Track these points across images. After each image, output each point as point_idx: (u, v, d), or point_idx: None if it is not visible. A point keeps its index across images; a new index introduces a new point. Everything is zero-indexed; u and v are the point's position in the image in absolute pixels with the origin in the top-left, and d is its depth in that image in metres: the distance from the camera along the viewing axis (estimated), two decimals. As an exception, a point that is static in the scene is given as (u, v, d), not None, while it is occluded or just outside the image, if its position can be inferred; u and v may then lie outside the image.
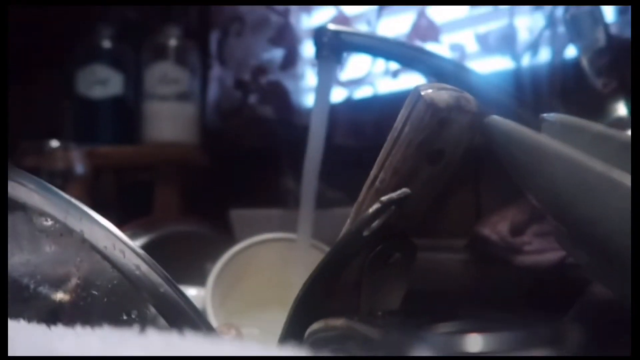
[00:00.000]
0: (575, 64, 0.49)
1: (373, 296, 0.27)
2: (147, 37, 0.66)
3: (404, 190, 0.21)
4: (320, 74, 0.40)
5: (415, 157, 0.22)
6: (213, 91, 0.73)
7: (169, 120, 0.63)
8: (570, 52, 0.50)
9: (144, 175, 0.65)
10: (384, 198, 0.21)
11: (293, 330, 0.26)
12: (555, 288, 0.37)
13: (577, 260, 0.27)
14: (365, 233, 0.21)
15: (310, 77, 0.68)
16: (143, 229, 0.47)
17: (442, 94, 0.20)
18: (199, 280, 0.48)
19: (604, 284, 0.22)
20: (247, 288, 0.42)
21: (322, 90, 0.40)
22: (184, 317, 0.19)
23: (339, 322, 0.20)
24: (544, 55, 0.52)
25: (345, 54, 0.39)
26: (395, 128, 0.22)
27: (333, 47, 0.38)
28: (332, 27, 0.38)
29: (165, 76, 0.63)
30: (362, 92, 0.66)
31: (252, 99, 0.66)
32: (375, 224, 0.21)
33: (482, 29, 0.59)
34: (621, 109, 0.45)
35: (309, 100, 0.69)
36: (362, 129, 0.65)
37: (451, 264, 0.45)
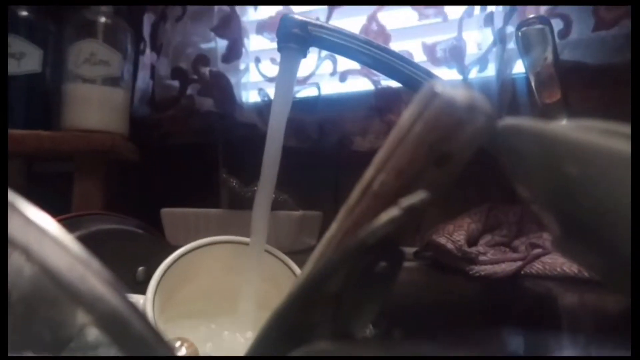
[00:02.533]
0: (523, 80, 0.51)
1: (353, 308, 0.25)
2: (72, 10, 0.59)
3: (423, 195, 0.19)
4: (283, 67, 0.37)
5: (423, 159, 0.20)
6: (143, 79, 0.67)
7: (94, 105, 0.57)
8: (519, 68, 0.52)
9: (61, 166, 0.58)
10: (404, 204, 0.19)
11: (267, 344, 0.24)
12: (508, 298, 0.38)
13: (581, 265, 0.27)
14: (371, 241, 0.19)
15: (253, 73, 0.65)
16: (63, 227, 0.42)
17: (460, 93, 0.19)
18: (129, 283, 0.43)
19: (614, 286, 0.22)
20: (188, 295, 0.38)
21: (284, 84, 0.37)
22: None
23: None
24: (492, 71, 0.54)
25: (310, 49, 0.37)
26: (401, 127, 0.20)
27: (299, 39, 0.36)
28: (299, 17, 0.36)
29: (92, 56, 0.56)
30: (305, 93, 0.64)
31: (191, 89, 0.61)
32: (383, 232, 0.19)
33: (431, 40, 0.59)
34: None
35: (250, 96, 0.66)
36: (304, 130, 0.63)
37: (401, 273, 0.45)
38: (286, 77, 0.37)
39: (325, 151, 0.62)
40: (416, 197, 0.19)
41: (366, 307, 0.26)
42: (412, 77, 0.38)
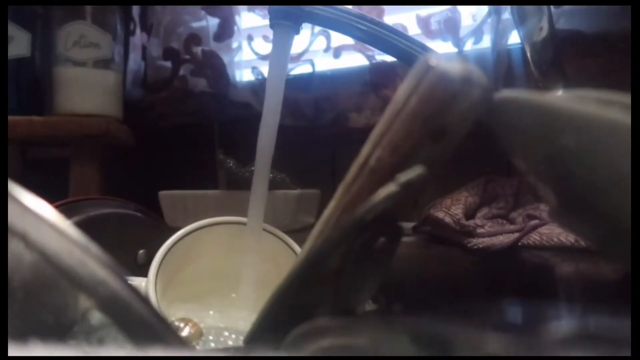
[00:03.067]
0: (519, 50, 0.51)
1: (353, 284, 0.25)
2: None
3: (419, 171, 0.19)
4: (276, 44, 0.36)
5: (419, 134, 0.20)
6: (134, 60, 0.66)
7: (86, 89, 0.56)
8: (514, 39, 0.51)
9: (57, 152, 0.57)
10: (401, 180, 0.19)
11: (269, 323, 0.24)
12: (506, 270, 0.38)
13: (578, 235, 0.27)
14: (369, 218, 0.19)
15: (246, 51, 0.64)
16: (62, 213, 0.42)
17: (455, 66, 0.19)
18: (130, 266, 0.43)
19: (611, 256, 0.22)
20: (189, 276, 0.38)
21: (278, 61, 0.37)
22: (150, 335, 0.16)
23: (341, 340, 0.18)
24: (487, 42, 0.53)
25: (302, 25, 0.37)
26: (396, 102, 0.20)
27: (291, 16, 0.35)
28: (291, -7, 0.35)
29: (82, 39, 0.55)
30: (300, 70, 0.63)
31: (184, 70, 0.60)
32: (381, 208, 0.19)
33: (425, 12, 0.58)
34: (560, 98, 0.46)
35: (244, 75, 0.65)
36: (300, 109, 0.62)
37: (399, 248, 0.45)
38: (280, 54, 0.37)
39: (321, 129, 0.62)
40: (413, 172, 0.19)
41: (366, 283, 0.26)
42: (406, 51, 0.37)
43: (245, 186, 0.52)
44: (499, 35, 0.51)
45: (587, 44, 0.52)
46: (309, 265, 0.21)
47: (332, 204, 0.23)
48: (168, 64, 0.61)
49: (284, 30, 0.36)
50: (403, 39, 0.37)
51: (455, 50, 0.55)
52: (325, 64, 0.62)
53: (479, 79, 0.19)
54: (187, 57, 0.60)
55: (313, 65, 0.62)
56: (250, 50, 0.64)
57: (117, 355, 0.12)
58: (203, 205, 0.56)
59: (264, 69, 0.63)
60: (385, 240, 0.24)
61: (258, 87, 0.62)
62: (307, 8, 0.36)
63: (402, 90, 0.20)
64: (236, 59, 0.64)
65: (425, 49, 0.37)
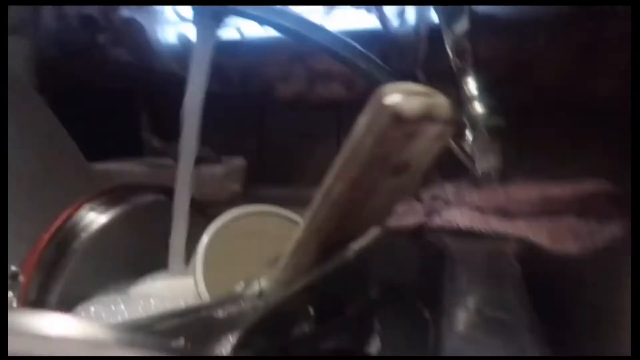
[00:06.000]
0: (439, 34, 0.52)
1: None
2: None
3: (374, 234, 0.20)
4: (199, 40, 0.36)
5: (378, 170, 0.19)
6: (49, 24, 0.61)
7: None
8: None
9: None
10: (354, 248, 0.20)
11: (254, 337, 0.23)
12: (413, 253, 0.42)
13: None
14: (349, 255, 0.20)
15: (168, 11, 0.62)
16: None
17: (411, 103, 0.17)
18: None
19: None
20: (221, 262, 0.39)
21: (201, 56, 0.37)
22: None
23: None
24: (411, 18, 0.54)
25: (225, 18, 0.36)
26: (353, 137, 0.19)
27: (214, 14, 0.35)
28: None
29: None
30: (226, 35, 0.62)
31: (102, 39, 0.57)
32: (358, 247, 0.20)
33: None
34: (472, 86, 0.49)
35: (167, 36, 0.63)
36: (227, 75, 0.62)
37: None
38: (203, 49, 0.37)
39: (247, 97, 0.62)
40: (366, 240, 0.20)
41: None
42: (328, 48, 0.38)
43: (172, 162, 0.52)
44: (421, 17, 0.53)
45: (501, 26, 0.54)
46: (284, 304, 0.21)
47: (301, 228, 0.22)
48: (85, 31, 0.58)
49: (206, 26, 0.36)
50: (328, 36, 0.38)
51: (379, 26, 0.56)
52: (253, 31, 0.62)
53: (439, 113, 0.18)
54: (105, 25, 0.57)
55: (241, 32, 0.61)
56: (173, 11, 0.61)
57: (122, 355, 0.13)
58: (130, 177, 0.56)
59: (188, 32, 0.61)
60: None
61: (182, 54, 0.61)
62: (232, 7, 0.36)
63: (358, 127, 0.19)
64: (158, 22, 0.61)
65: (347, 45, 0.37)
